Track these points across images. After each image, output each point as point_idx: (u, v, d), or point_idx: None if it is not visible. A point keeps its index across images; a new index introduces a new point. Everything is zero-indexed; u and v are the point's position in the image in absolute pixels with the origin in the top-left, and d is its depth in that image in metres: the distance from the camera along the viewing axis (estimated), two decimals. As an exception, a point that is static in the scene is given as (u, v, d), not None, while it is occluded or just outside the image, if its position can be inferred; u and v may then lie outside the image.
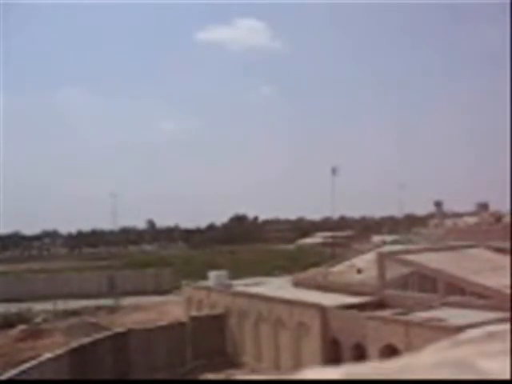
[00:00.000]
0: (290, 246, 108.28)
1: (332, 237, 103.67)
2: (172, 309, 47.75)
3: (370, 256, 36.85)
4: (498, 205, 63.68)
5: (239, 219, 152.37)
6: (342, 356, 28.18)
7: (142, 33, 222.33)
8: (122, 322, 42.26)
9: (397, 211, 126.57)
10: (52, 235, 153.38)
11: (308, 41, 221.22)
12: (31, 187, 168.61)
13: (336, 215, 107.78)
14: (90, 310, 51.59)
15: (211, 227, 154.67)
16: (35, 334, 41.02)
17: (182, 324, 36.55)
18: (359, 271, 36.51)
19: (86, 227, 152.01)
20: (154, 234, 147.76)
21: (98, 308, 52.57)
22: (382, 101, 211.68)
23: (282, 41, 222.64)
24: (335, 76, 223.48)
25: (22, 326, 43.32)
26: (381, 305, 30.42)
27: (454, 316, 24.69)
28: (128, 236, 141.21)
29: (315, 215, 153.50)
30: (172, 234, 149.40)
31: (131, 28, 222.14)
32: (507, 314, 20.71)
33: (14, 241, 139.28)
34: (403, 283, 31.49)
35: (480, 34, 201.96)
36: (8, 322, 44.65)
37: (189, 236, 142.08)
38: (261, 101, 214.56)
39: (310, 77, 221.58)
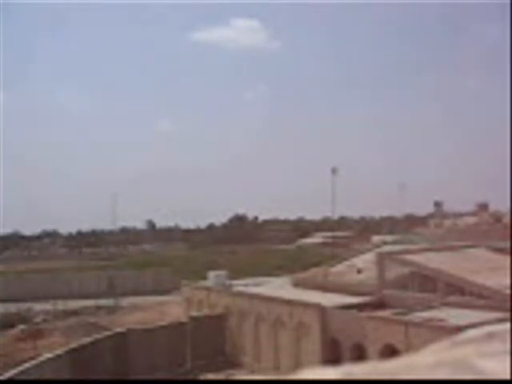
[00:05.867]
0: (290, 246, 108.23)
1: (332, 237, 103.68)
2: (172, 309, 47.74)
3: (370, 256, 36.85)
4: (498, 205, 63.65)
5: (239, 219, 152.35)
6: (341, 356, 28.18)
7: (138, 32, 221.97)
8: (122, 322, 42.26)
9: (397, 211, 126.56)
10: (52, 235, 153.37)
11: (305, 40, 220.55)
12: (31, 187, 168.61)
13: (336, 215, 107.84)
14: (89, 310, 51.58)
15: (211, 227, 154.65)
16: (35, 334, 41.01)
17: (182, 324, 36.56)
18: (359, 271, 36.53)
19: (86, 227, 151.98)
20: (153, 234, 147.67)
21: (98, 308, 52.57)
22: (381, 100, 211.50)
23: (278, 40, 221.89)
24: (333, 75, 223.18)
25: (21, 326, 43.33)
26: (381, 305, 30.43)
27: (454, 316, 24.71)
28: (128, 236, 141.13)
29: (315, 215, 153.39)
30: (172, 234, 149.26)
31: (128, 27, 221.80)
32: (507, 314, 20.72)
33: (14, 241, 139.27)
34: (403, 283, 31.50)
35: (480, 33, 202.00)
36: (8, 322, 44.64)
37: (189, 236, 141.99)
38: (258, 100, 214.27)
39: (308, 76, 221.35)
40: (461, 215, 63.39)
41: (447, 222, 58.13)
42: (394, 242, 49.26)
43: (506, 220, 49.28)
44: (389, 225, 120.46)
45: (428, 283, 29.88)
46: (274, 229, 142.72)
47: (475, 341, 1.40)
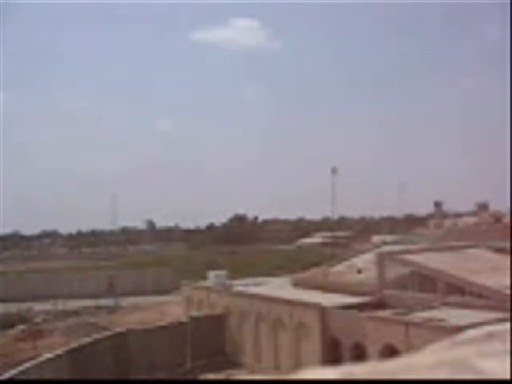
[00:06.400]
0: (290, 246, 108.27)
1: (332, 237, 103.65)
2: (172, 309, 47.75)
3: (370, 256, 36.85)
4: (498, 205, 63.63)
5: (239, 219, 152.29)
6: (341, 356, 28.18)
7: (138, 32, 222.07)
8: (122, 322, 42.27)
9: (397, 211, 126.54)
10: (52, 235, 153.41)
11: (305, 40, 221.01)
12: (31, 187, 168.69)
13: (336, 215, 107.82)
14: (89, 310, 51.59)
15: (211, 227, 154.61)
16: (35, 333, 41.01)
17: (182, 324, 36.56)
18: (359, 271, 36.52)
19: (86, 227, 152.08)
20: (153, 233, 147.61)
21: (98, 308, 52.56)
22: (381, 100, 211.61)
23: (278, 40, 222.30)
24: (332, 75, 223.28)
25: (21, 326, 43.32)
26: (381, 305, 30.43)
27: (454, 316, 24.70)
28: (128, 236, 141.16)
29: (315, 215, 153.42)
30: (172, 234, 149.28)
31: (128, 28, 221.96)
32: (507, 314, 20.72)
33: (14, 241, 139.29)
34: (403, 283, 31.49)
35: (480, 33, 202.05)
36: (8, 322, 44.63)
37: (189, 236, 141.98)
38: (258, 100, 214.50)
39: (307, 76, 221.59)
40: (461, 215, 63.42)
41: (447, 222, 58.10)
42: (394, 242, 49.26)
43: (506, 220, 49.25)
44: (389, 225, 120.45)
45: (428, 283, 29.88)
46: (274, 229, 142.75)
47: (475, 341, 1.40)
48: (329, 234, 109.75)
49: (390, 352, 24.23)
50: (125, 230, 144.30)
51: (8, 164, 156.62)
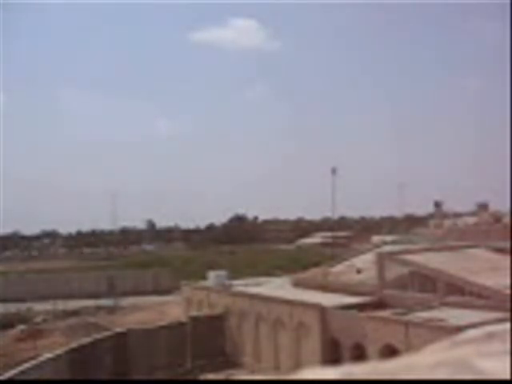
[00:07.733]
0: (290, 246, 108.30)
1: (332, 237, 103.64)
2: (172, 309, 47.74)
3: (370, 256, 36.84)
4: (498, 205, 63.64)
5: (239, 219, 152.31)
6: (341, 356, 28.18)
7: (137, 33, 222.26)
8: (122, 322, 42.25)
9: (397, 211, 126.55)
10: (52, 235, 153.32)
11: (304, 40, 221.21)
12: (31, 187, 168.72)
13: (336, 215, 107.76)
14: (89, 310, 51.57)
15: (211, 227, 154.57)
16: (35, 333, 41.01)
17: (182, 324, 36.56)
18: (359, 271, 36.51)
19: (86, 227, 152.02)
20: (153, 234, 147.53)
21: (98, 308, 52.55)
22: (381, 100, 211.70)
23: (278, 40, 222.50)
24: (332, 76, 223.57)
25: (21, 326, 43.32)
26: (381, 305, 30.42)
27: (454, 316, 24.70)
28: (128, 236, 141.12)
29: (315, 215, 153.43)
30: (172, 234, 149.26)
31: (128, 28, 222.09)
32: (507, 314, 20.71)
33: (14, 241, 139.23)
34: (403, 283, 31.48)
35: (480, 31, 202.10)
36: (8, 322, 44.63)
37: (188, 236, 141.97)
38: (257, 100, 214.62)
39: (307, 76, 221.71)
40: (461, 215, 63.34)
41: (447, 222, 58.05)
42: (394, 242, 49.22)
43: (506, 220, 49.22)
44: (389, 225, 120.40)
45: (428, 283, 29.87)
46: (274, 229, 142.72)
47: (475, 341, 1.40)
48: (329, 234, 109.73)
49: (390, 352, 24.23)
50: (125, 230, 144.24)
51: (8, 164, 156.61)
